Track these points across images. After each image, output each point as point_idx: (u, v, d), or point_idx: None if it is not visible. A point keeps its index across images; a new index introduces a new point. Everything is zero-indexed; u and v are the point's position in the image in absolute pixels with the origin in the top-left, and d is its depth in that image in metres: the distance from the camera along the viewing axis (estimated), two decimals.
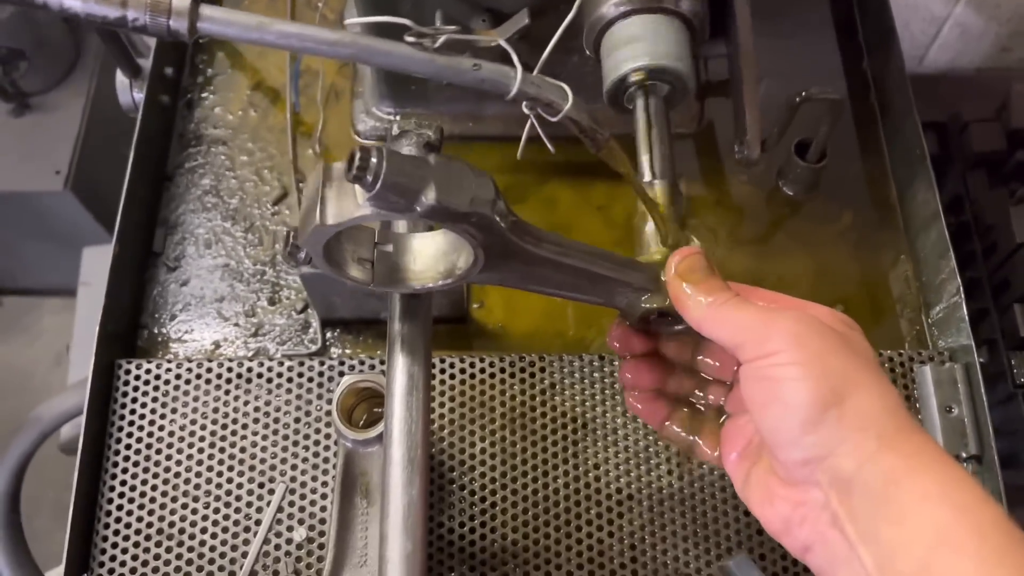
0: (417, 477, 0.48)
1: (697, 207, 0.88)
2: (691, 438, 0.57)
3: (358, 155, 0.41)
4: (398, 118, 0.89)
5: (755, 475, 0.50)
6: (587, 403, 0.76)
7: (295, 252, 0.50)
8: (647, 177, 0.60)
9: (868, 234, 0.86)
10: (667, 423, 0.57)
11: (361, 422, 0.66)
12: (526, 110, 0.57)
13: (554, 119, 0.56)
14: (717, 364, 0.57)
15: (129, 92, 0.89)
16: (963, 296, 0.75)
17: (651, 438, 0.74)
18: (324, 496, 0.71)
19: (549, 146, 0.67)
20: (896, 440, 0.42)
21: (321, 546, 0.70)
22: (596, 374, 0.77)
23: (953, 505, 0.40)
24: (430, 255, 0.51)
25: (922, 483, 0.41)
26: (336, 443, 0.71)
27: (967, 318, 0.74)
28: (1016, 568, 0.38)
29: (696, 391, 0.58)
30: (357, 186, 0.42)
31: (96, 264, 1.65)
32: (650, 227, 0.61)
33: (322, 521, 0.71)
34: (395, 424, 0.49)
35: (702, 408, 0.57)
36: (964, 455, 0.72)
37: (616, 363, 0.77)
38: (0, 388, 2.05)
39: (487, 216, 0.45)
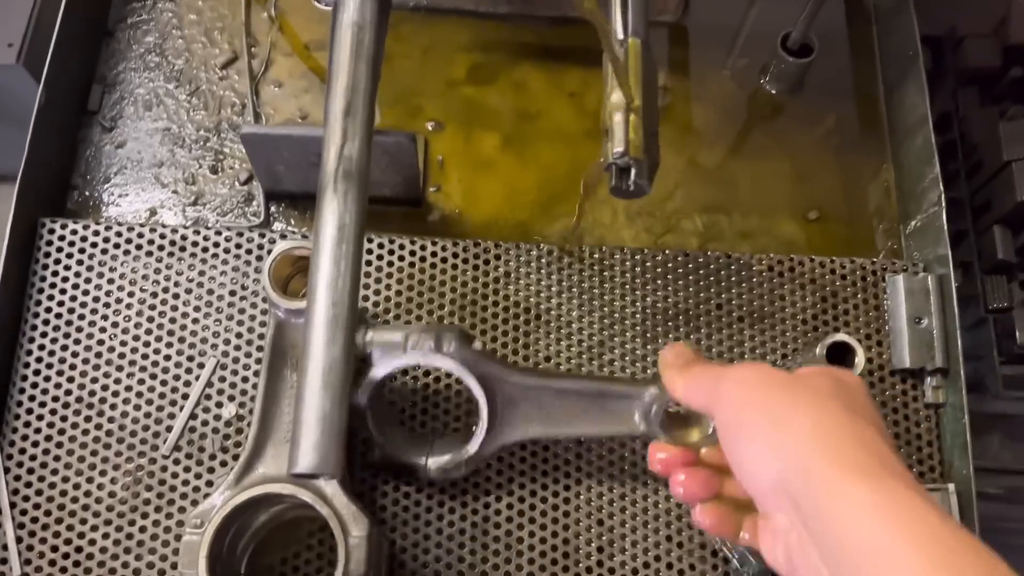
0: (340, 336, 0.44)
1: (675, 100, 0.83)
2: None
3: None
4: None
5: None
6: (542, 294, 0.72)
7: None
8: (619, 34, 0.55)
9: (851, 139, 0.82)
10: (744, 534, 0.53)
11: (300, 295, 0.62)
12: None
13: None
14: None
15: None
16: (944, 204, 0.71)
17: (605, 333, 0.71)
18: (257, 373, 0.67)
19: None
20: (834, 458, 0.42)
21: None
22: (553, 265, 0.72)
23: (886, 517, 0.38)
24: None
25: (857, 495, 0.40)
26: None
27: (946, 226, 0.71)
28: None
29: None
30: None
31: None
32: (619, 117, 0.54)
33: (253, 398, 0.67)
34: (319, 277, 0.45)
35: None
36: (930, 368, 0.69)
37: (571, 255, 0.73)
38: None
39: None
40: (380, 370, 0.59)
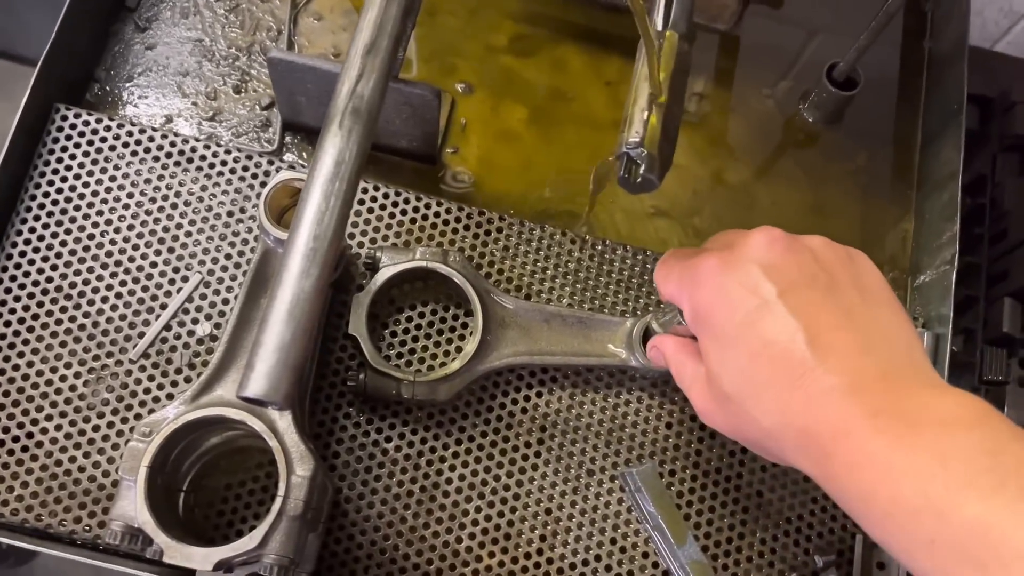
0: (316, 270, 0.43)
1: (711, 110, 0.82)
2: None
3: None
4: None
5: None
6: (536, 275, 0.71)
7: None
8: (659, 24, 0.53)
9: (879, 181, 0.80)
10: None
11: None
12: None
13: None
14: None
15: None
16: (956, 264, 0.70)
17: (596, 303, 0.70)
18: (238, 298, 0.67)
19: None
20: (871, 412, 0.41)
21: None
22: (553, 249, 0.72)
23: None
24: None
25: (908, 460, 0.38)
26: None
27: (953, 287, 0.69)
28: None
29: None
30: None
31: None
32: (641, 106, 0.53)
33: None
34: (307, 208, 0.44)
35: None
36: None
37: (574, 243, 0.72)
38: None
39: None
40: (388, 270, 0.64)
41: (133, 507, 0.53)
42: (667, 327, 0.60)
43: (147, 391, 0.64)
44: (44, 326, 0.65)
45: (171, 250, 0.68)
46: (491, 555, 0.64)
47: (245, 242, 0.68)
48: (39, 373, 0.64)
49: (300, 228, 0.44)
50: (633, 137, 0.48)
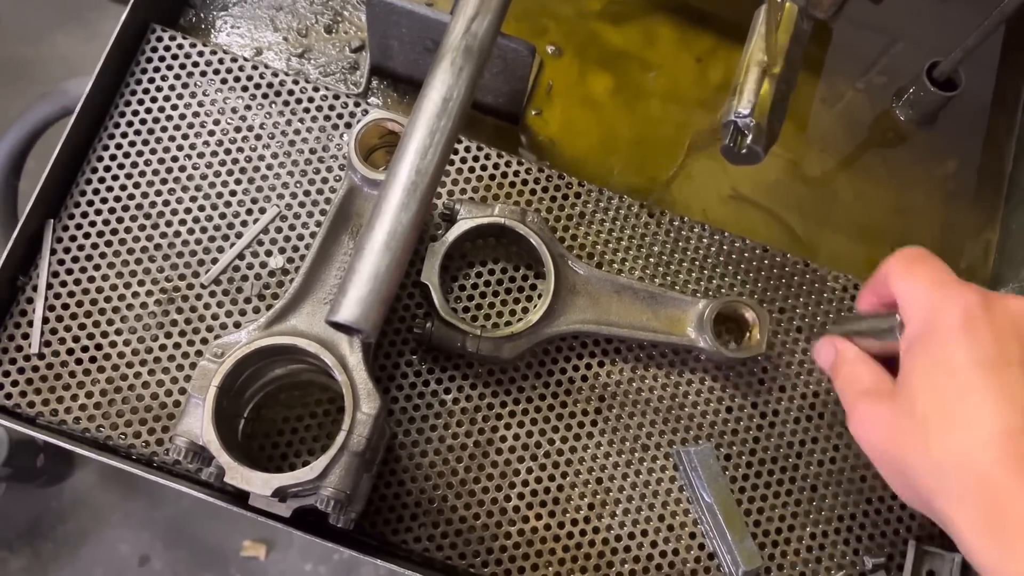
0: (415, 204, 0.43)
1: (800, 98, 0.80)
2: None
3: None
4: None
5: None
6: (609, 244, 0.70)
7: None
8: None
9: (966, 188, 0.78)
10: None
11: (380, 168, 0.61)
12: None
13: None
14: None
15: None
16: None
17: (668, 279, 0.69)
18: (314, 235, 0.67)
19: None
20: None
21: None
22: (630, 220, 0.71)
23: None
24: None
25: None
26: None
27: None
28: None
29: None
30: None
31: None
32: (754, 75, 0.52)
33: (303, 257, 0.66)
34: (411, 142, 0.44)
35: None
36: None
37: (651, 216, 0.71)
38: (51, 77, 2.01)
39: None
40: (465, 223, 0.64)
41: (199, 425, 0.53)
42: (855, 335, 0.56)
43: (215, 317, 0.65)
44: (122, 242, 0.65)
45: (251, 180, 0.68)
46: (538, 517, 0.64)
47: (325, 180, 0.68)
48: (113, 287, 0.64)
49: (403, 162, 0.44)
50: (744, 106, 0.47)
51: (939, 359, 0.45)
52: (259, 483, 0.52)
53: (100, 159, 0.67)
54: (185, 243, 0.66)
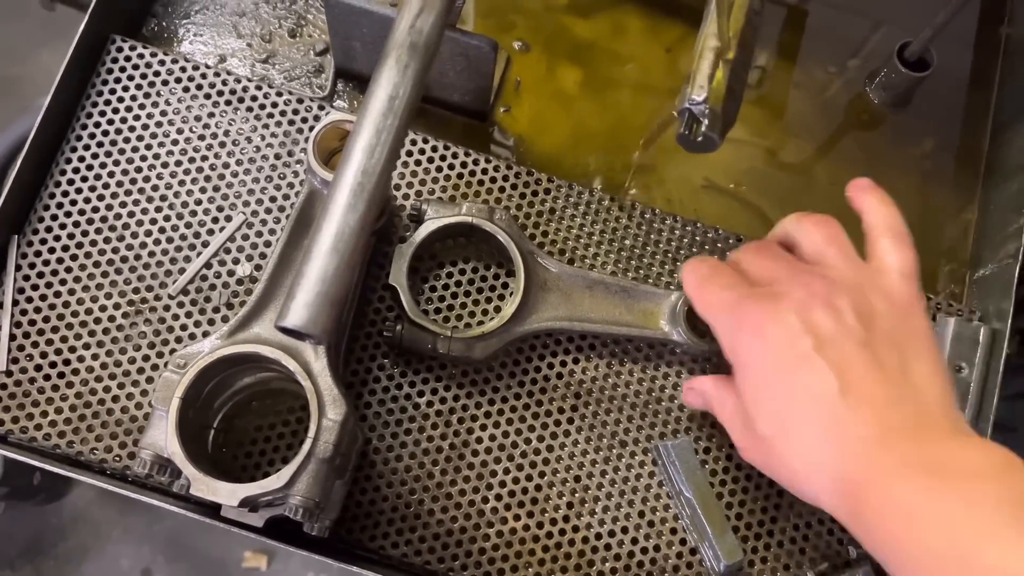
0: (361, 206, 0.42)
1: (773, 84, 0.79)
2: None
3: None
4: None
5: None
6: (581, 240, 0.69)
7: None
8: None
9: (943, 168, 0.77)
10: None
11: None
12: None
13: None
14: None
15: None
16: (1021, 259, 0.67)
17: (641, 273, 0.68)
18: None
19: None
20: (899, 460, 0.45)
21: None
22: (601, 215, 0.70)
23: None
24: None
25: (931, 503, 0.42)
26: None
27: (1016, 282, 0.66)
28: None
29: None
30: None
31: None
32: (707, 62, 0.51)
33: None
34: (357, 142, 0.43)
35: None
36: None
37: (622, 209, 0.70)
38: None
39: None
40: (433, 223, 0.64)
41: (163, 437, 0.52)
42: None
43: (184, 327, 0.64)
44: (87, 255, 0.65)
45: (216, 189, 0.67)
46: (516, 518, 0.63)
47: (291, 186, 0.68)
48: (79, 302, 0.64)
49: (349, 162, 0.43)
50: (697, 93, 0.46)
51: (751, 379, 0.52)
52: (226, 494, 0.52)
53: (63, 172, 0.66)
54: (151, 254, 0.66)
